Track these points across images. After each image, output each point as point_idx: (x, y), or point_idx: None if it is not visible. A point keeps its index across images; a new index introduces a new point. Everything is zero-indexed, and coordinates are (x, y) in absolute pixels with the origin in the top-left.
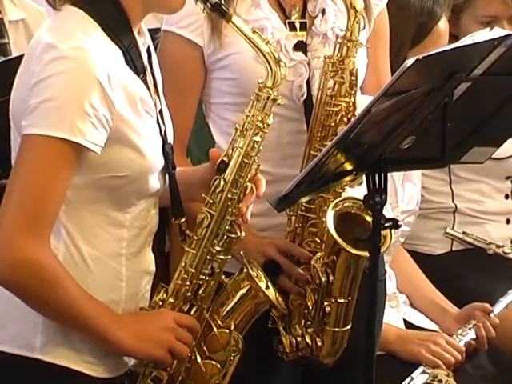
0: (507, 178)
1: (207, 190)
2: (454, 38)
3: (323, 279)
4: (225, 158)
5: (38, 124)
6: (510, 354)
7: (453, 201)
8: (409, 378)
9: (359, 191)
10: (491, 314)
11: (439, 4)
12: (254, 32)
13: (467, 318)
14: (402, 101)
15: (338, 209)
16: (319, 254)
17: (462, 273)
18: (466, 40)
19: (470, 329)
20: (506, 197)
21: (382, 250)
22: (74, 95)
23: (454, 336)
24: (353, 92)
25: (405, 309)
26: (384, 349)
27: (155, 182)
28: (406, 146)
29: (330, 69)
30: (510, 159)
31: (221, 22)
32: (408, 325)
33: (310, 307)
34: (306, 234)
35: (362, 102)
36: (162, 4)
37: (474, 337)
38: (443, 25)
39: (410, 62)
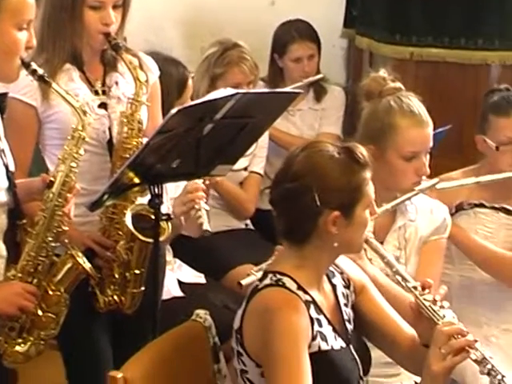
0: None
1: (40, 195)
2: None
3: (125, 258)
4: (52, 178)
5: None
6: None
7: None
8: None
9: (146, 199)
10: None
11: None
12: (67, 93)
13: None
14: (170, 136)
15: (133, 212)
16: (122, 242)
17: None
18: (210, 96)
19: None
20: None
21: (162, 238)
22: None
23: None
24: (140, 135)
25: (178, 271)
26: None
27: (2, 197)
28: (175, 166)
29: (124, 120)
30: (241, 171)
31: (47, 89)
32: (179, 282)
33: (117, 276)
34: (112, 228)
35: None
36: (2, 77)
37: None
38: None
39: (173, 110)
